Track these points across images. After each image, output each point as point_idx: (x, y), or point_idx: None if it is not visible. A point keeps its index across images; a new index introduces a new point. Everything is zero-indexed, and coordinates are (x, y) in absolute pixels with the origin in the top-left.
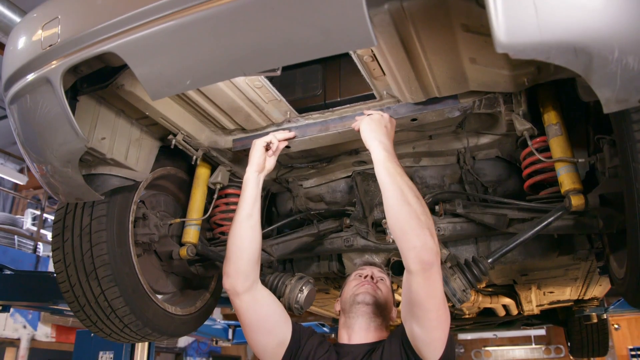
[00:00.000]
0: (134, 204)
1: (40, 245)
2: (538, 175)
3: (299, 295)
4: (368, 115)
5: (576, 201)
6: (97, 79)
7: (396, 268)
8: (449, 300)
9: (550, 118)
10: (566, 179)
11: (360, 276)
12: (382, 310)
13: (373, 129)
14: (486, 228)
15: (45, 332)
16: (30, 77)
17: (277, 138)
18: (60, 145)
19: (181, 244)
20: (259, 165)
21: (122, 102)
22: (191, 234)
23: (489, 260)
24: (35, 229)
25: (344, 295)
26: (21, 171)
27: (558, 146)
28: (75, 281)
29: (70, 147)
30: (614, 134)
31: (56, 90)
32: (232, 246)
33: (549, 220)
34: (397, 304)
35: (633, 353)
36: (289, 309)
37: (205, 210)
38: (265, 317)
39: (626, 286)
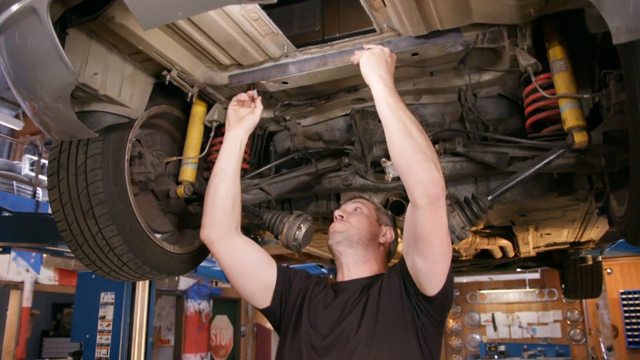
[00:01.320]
0: (129, 142)
1: (39, 191)
2: (541, 112)
3: (297, 232)
4: (368, 49)
5: (579, 138)
6: (87, 11)
7: (395, 208)
8: None
9: (556, 53)
10: (570, 116)
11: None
12: (358, 241)
13: (373, 64)
14: (486, 167)
15: (48, 276)
16: (15, 7)
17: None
18: (50, 80)
19: (178, 183)
20: (231, 122)
21: (113, 36)
22: (188, 173)
23: (489, 198)
24: (33, 174)
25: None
26: (17, 117)
27: (562, 82)
28: (72, 220)
29: (60, 81)
30: (622, 68)
31: (43, 20)
32: (206, 198)
33: (551, 157)
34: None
35: (624, 296)
36: (287, 246)
37: (202, 149)
38: (244, 264)
39: (626, 224)
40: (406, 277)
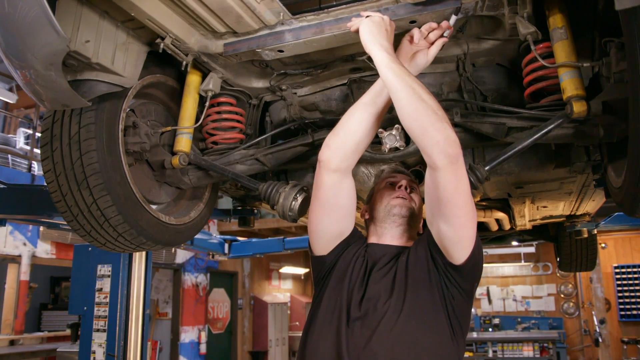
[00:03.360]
0: (123, 112)
1: (35, 164)
2: (540, 82)
3: (293, 203)
4: (367, 17)
5: (578, 108)
6: None
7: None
8: None
9: (556, 21)
10: (569, 85)
11: (393, 185)
12: (415, 221)
13: (373, 32)
14: (484, 138)
15: (45, 249)
16: None
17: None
18: (41, 47)
19: (173, 153)
20: (402, 55)
21: (105, 3)
22: (183, 143)
23: (486, 168)
24: (28, 148)
25: (377, 204)
26: (11, 90)
27: (562, 50)
28: (67, 190)
29: (51, 48)
30: (623, 35)
31: None
32: (346, 123)
33: (549, 127)
34: None
35: (617, 270)
36: (282, 217)
37: (197, 119)
38: (341, 206)
39: (623, 195)
40: (433, 247)
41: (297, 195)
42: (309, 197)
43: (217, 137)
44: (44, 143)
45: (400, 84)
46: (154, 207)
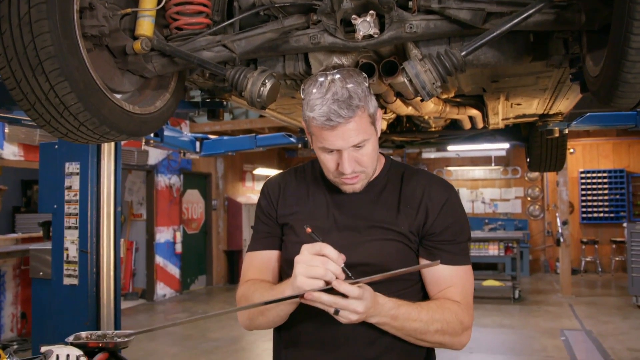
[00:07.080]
0: None
1: None
2: None
3: (262, 88)
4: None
5: None
6: None
7: (365, 70)
8: (417, 93)
9: None
10: None
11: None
12: (373, 172)
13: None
14: (461, 26)
15: (12, 151)
16: None
17: None
18: None
19: (135, 38)
20: None
21: None
22: (145, 26)
23: (462, 53)
24: None
25: (322, 167)
26: None
27: None
28: (21, 77)
29: None
30: None
31: None
32: (256, 323)
33: (530, 12)
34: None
35: (582, 175)
36: (251, 104)
37: (160, 1)
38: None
39: (600, 83)
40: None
41: (266, 81)
42: (278, 83)
43: (181, 22)
44: None
45: (405, 335)
46: (117, 96)
